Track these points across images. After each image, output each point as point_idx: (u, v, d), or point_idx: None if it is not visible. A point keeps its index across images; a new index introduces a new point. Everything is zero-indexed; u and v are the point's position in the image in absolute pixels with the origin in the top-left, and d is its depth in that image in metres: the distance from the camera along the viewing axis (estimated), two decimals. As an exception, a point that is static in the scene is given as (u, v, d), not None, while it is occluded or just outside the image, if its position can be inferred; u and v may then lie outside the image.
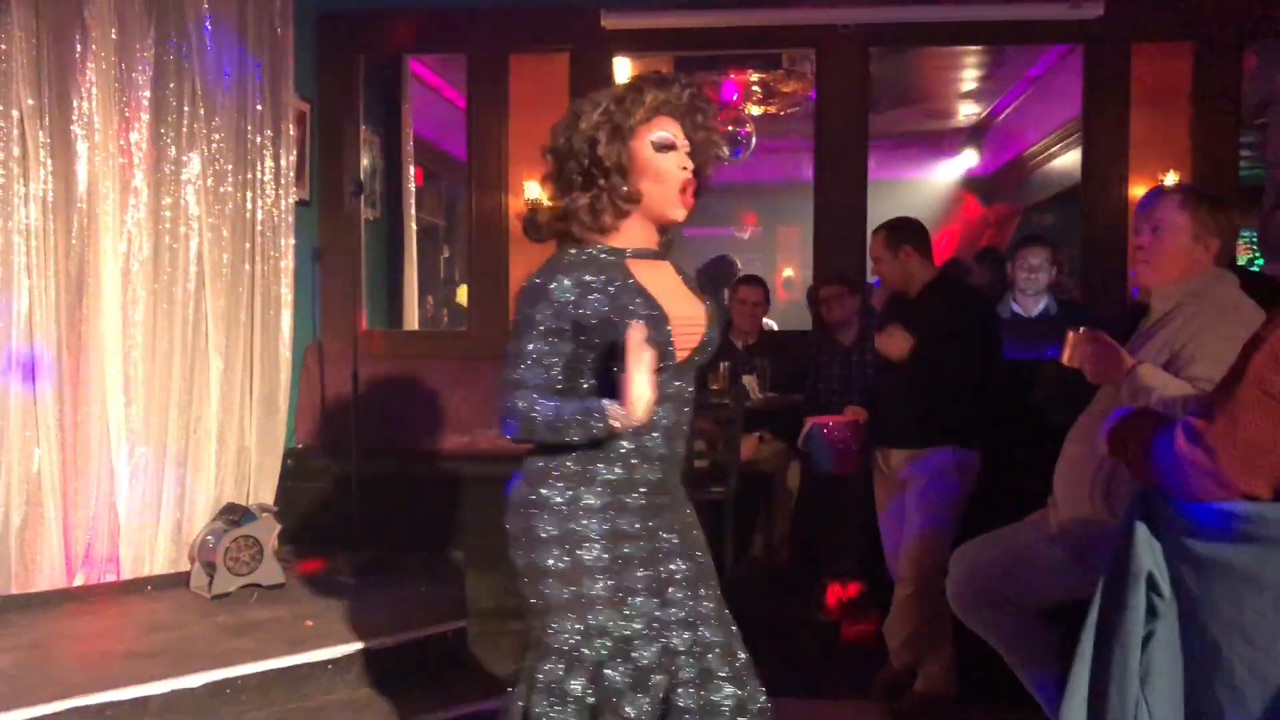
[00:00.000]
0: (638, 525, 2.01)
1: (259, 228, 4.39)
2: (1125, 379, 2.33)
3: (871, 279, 5.99)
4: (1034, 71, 8.40)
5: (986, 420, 3.64)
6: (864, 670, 3.76)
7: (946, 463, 3.60)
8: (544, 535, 1.97)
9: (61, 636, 3.44)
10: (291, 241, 4.56)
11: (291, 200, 4.57)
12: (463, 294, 9.02)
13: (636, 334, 1.87)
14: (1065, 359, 2.46)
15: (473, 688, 3.44)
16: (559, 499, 1.98)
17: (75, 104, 3.75)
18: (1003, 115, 9.92)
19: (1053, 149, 9.11)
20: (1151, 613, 1.58)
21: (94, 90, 3.78)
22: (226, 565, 3.90)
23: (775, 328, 6.71)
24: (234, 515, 4.04)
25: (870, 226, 5.26)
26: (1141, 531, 1.61)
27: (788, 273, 12.46)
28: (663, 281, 2.06)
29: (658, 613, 1.99)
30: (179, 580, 4.03)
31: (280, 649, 3.32)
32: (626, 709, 1.93)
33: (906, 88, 9.09)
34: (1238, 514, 1.50)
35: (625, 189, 1.99)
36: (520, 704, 2.00)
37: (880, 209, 5.70)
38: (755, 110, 8.28)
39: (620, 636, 1.96)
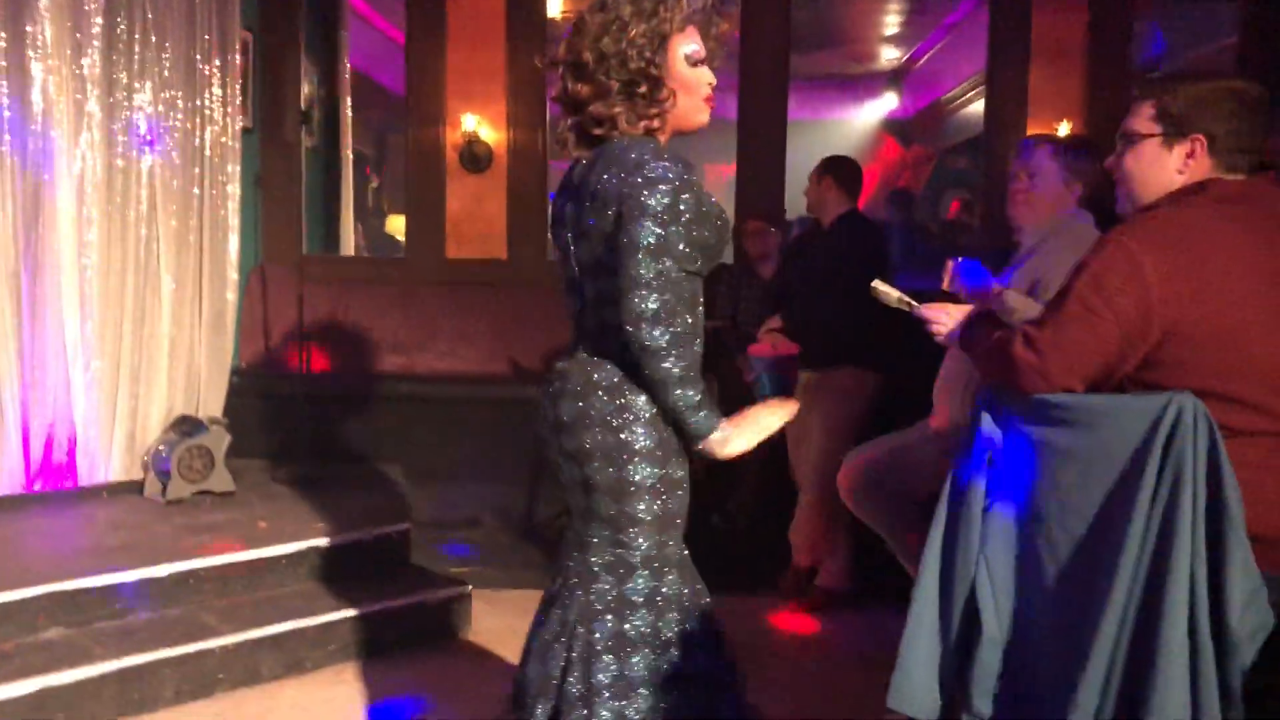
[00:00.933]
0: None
1: (207, 153, 4.57)
2: (994, 302, 2.71)
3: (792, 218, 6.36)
4: (952, 19, 8.72)
5: (885, 343, 4.03)
6: (771, 569, 4.16)
7: (848, 382, 4.00)
8: (640, 448, 1.98)
9: (28, 534, 3.67)
10: (238, 168, 4.74)
11: (238, 127, 4.74)
12: (391, 224, 9.19)
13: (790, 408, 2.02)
14: (945, 285, 2.82)
15: (414, 582, 3.77)
16: (648, 412, 1.99)
17: (29, 30, 3.88)
18: (922, 61, 10.25)
19: (968, 94, 9.45)
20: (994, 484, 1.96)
21: (46, 18, 3.92)
22: (180, 473, 4.14)
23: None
24: (186, 426, 4.27)
25: (790, 166, 5.62)
26: (986, 420, 1.97)
27: (715, 209, 12.71)
28: None
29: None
30: (133, 488, 4.26)
31: (237, 546, 3.59)
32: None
33: (832, 30, 9.36)
34: (1058, 403, 1.87)
35: (655, 99, 1.97)
36: (639, 623, 2.04)
37: (805, 149, 6.02)
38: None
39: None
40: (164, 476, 4.15)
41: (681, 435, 1.99)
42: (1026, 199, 3.00)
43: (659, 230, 1.85)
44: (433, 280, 5.60)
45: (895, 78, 11.20)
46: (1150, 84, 2.12)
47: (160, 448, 4.21)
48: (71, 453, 4.16)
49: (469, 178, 5.64)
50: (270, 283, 5.38)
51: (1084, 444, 1.83)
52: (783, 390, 3.93)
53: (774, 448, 4.34)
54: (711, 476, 4.98)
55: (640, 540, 2.02)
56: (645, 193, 1.86)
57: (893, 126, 11.87)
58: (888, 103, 11.55)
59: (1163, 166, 2.02)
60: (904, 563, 3.03)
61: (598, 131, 2.00)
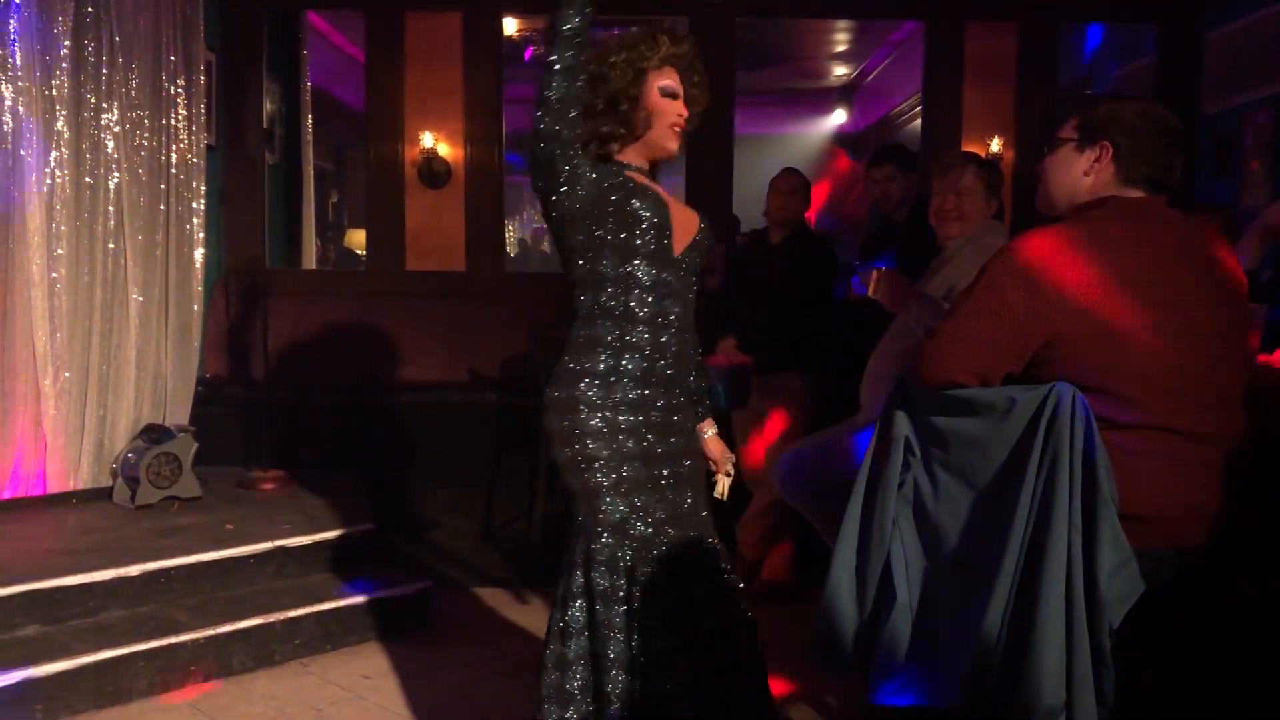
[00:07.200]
0: (659, 419, 2.33)
1: (173, 170, 4.72)
2: (913, 307, 2.94)
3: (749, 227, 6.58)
4: (896, 37, 9.02)
5: (829, 346, 4.26)
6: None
7: (797, 384, 4.22)
8: (585, 428, 2.26)
9: (2, 538, 3.79)
10: (202, 184, 4.89)
11: (202, 145, 4.90)
12: (351, 238, 9.33)
13: None
14: (870, 292, 3.05)
15: (377, 579, 3.92)
16: (596, 395, 2.27)
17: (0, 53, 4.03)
18: (871, 76, 10.56)
19: (916, 109, 9.73)
20: (906, 467, 2.17)
21: (16, 41, 4.05)
22: (149, 479, 4.27)
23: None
24: (154, 434, 4.41)
25: (736, 180, 5.85)
26: (899, 409, 2.19)
27: (670, 222, 12.93)
28: (660, 193, 2.38)
29: (672, 497, 2.32)
30: (102, 494, 4.39)
31: (206, 547, 3.73)
32: (662, 585, 2.24)
33: (782, 47, 9.65)
34: (961, 397, 2.09)
35: (634, 118, 2.33)
36: (579, 578, 2.26)
37: (758, 163, 6.25)
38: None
39: (657, 518, 2.27)
40: (133, 483, 4.28)
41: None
42: (958, 216, 3.24)
43: None
44: (392, 292, 5.77)
45: (845, 93, 11.50)
46: (1080, 100, 2.36)
47: (129, 455, 4.35)
48: (42, 460, 4.28)
49: (427, 192, 5.83)
50: (234, 295, 5.53)
51: (982, 431, 2.05)
52: (738, 399, 4.13)
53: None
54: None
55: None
56: None
57: (844, 140, 12.15)
58: (838, 117, 11.85)
59: (1072, 167, 2.27)
60: (831, 545, 3.23)
61: (594, 149, 2.35)
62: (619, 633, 2.23)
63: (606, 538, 2.24)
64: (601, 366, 2.28)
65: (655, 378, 2.32)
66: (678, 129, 2.36)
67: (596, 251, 2.30)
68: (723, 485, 2.61)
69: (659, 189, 2.40)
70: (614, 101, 2.32)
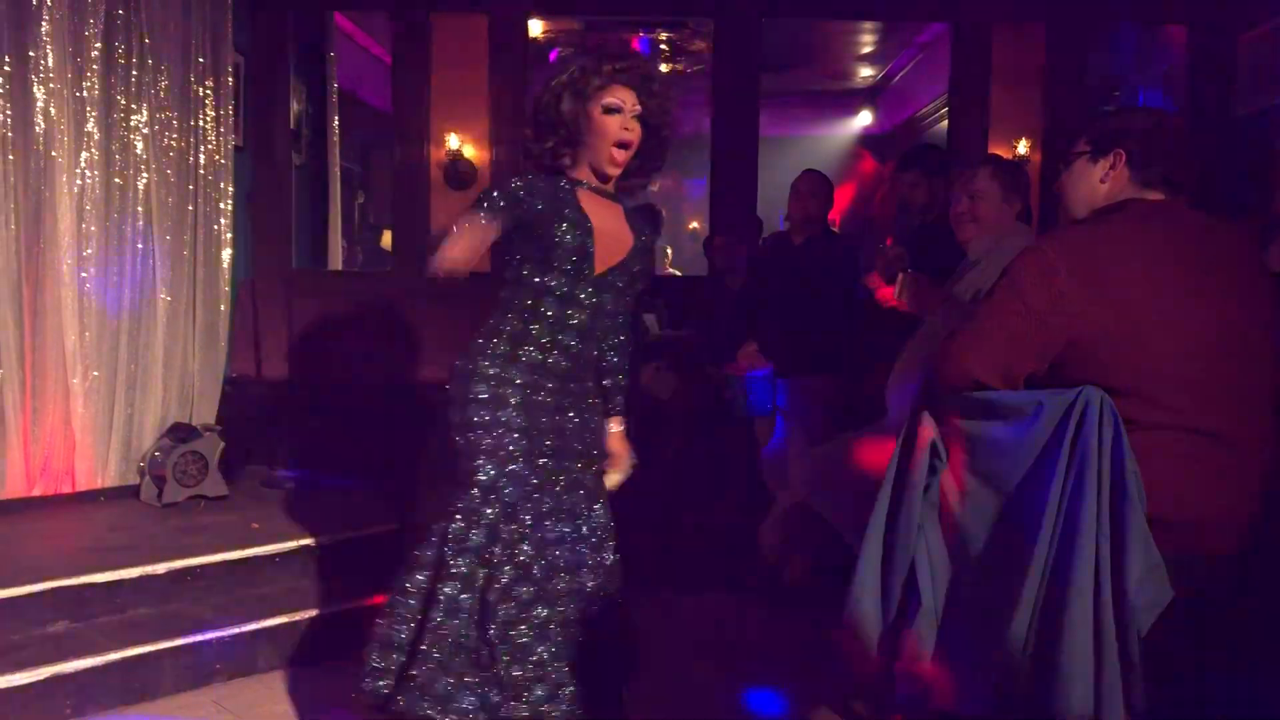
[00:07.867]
0: (549, 402, 2.51)
1: (201, 171, 4.76)
2: (940, 310, 2.92)
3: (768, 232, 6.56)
4: (923, 38, 8.97)
5: (853, 349, 4.24)
6: (737, 567, 4.35)
7: (821, 386, 4.20)
8: (475, 397, 2.46)
9: (31, 535, 3.84)
10: (230, 185, 4.93)
11: (230, 146, 4.94)
12: (386, 238, 9.35)
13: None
14: (895, 295, 3.04)
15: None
16: (491, 369, 2.47)
17: (32, 54, 4.06)
18: (896, 78, 10.51)
19: (941, 111, 9.68)
20: (932, 470, 2.17)
21: (48, 44, 4.10)
22: (175, 477, 4.31)
23: (676, 274, 7.23)
24: (181, 433, 4.45)
25: (761, 181, 5.83)
26: (925, 414, 2.19)
27: (694, 225, 12.93)
28: (603, 211, 2.50)
29: (554, 475, 2.49)
30: (129, 492, 4.42)
31: (232, 545, 3.75)
32: (524, 547, 2.43)
33: (807, 48, 9.61)
34: (986, 400, 2.08)
35: (578, 139, 2.47)
36: (441, 527, 2.47)
37: (782, 164, 6.21)
38: (664, 68, 8.79)
39: (529, 485, 2.45)
40: (159, 481, 4.31)
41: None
42: (971, 218, 3.22)
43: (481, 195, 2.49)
44: (417, 293, 5.78)
45: (871, 94, 11.43)
46: (1092, 116, 2.36)
47: (156, 453, 4.38)
48: (70, 458, 4.32)
49: (453, 194, 5.84)
50: (260, 296, 5.56)
51: (1009, 435, 2.03)
52: (759, 407, 4.12)
53: (749, 454, 4.56)
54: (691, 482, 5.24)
55: None
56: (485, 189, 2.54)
57: (869, 142, 12.10)
58: (864, 119, 11.80)
59: (1088, 177, 2.27)
60: (855, 549, 3.22)
61: (547, 162, 2.55)
62: (458, 581, 2.41)
63: (475, 493, 2.43)
64: (501, 349, 2.48)
65: (550, 370, 2.49)
66: (621, 145, 2.46)
67: (520, 259, 2.48)
68: (611, 481, 2.70)
69: (605, 205, 2.52)
70: (558, 124, 2.47)
